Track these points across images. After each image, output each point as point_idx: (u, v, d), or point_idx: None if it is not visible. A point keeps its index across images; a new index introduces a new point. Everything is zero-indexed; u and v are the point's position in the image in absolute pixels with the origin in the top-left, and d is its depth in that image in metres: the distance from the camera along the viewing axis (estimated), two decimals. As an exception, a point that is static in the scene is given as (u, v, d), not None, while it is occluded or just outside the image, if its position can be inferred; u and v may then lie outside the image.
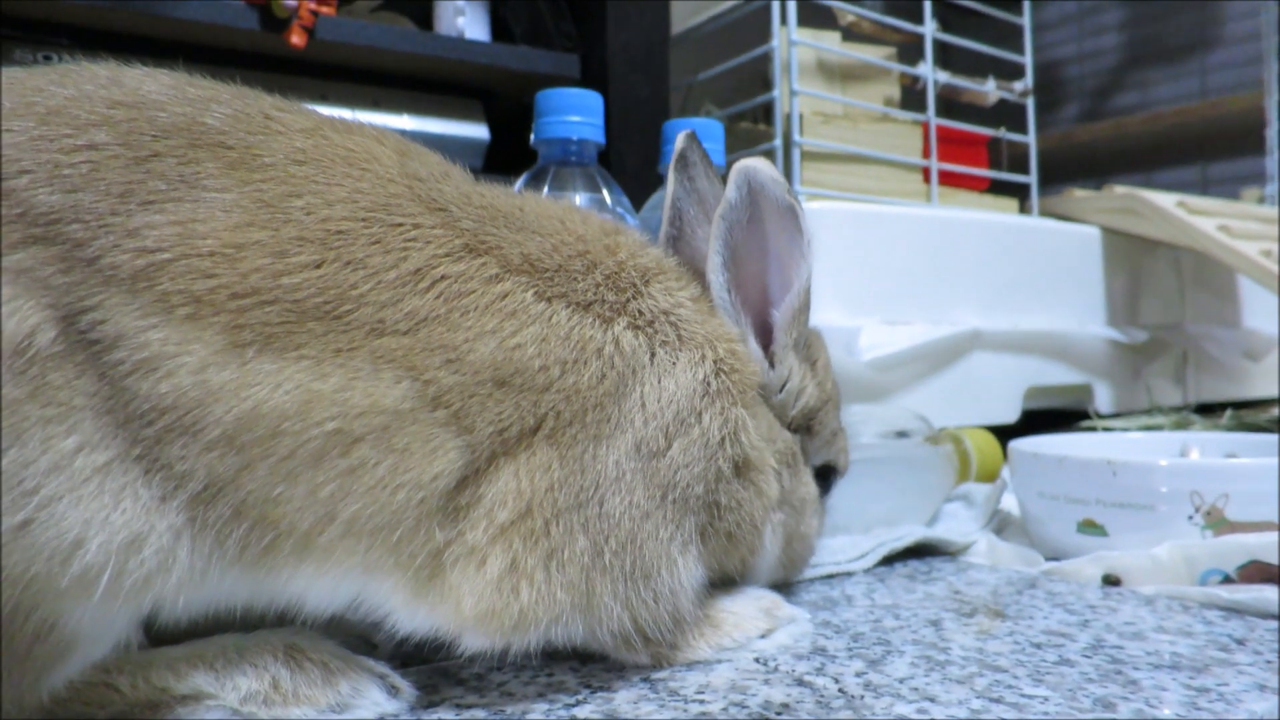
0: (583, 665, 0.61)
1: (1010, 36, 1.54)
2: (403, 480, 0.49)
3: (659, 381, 0.57)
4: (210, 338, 0.45)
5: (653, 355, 0.57)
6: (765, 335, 0.66)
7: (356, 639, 0.61)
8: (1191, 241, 1.40)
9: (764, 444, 0.63)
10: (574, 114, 1.02)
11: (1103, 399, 1.50)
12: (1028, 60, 1.52)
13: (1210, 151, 2.84)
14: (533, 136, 1.03)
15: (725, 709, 0.53)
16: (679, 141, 0.68)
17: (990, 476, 1.11)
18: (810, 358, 0.70)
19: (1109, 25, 3.15)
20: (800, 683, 0.57)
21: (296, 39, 1.05)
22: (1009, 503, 1.02)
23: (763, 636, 0.64)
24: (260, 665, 0.51)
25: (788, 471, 0.67)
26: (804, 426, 0.71)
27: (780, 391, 0.68)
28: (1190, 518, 0.79)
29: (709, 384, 0.59)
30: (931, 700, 0.54)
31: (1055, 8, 3.25)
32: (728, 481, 0.60)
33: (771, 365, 0.67)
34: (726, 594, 0.66)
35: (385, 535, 0.50)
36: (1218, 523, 0.79)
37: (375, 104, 1.20)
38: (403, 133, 0.59)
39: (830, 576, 0.85)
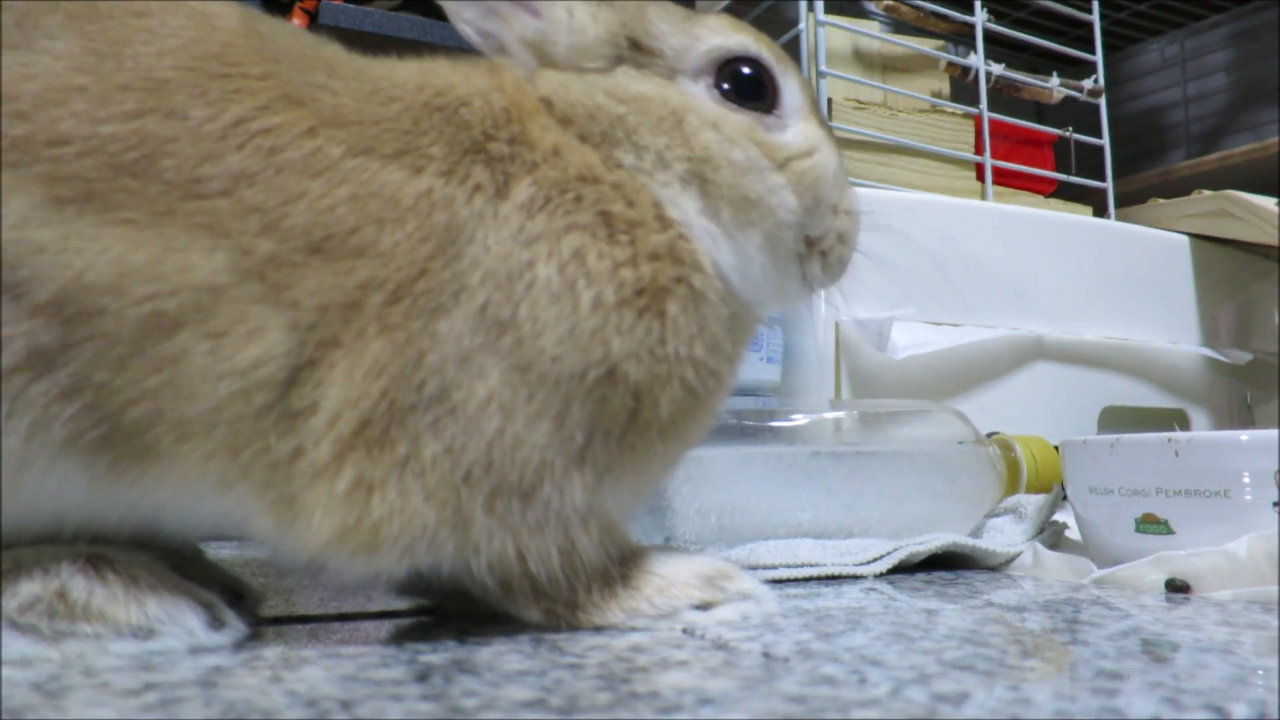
0: (476, 627, 0.50)
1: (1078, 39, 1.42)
2: (223, 370, 0.42)
3: (490, 235, 0.47)
4: (30, 188, 0.41)
5: (487, 197, 0.48)
6: None
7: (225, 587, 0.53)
8: (1297, 242, 1.22)
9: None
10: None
11: (1201, 428, 1.30)
12: (1098, 58, 1.39)
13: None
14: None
15: (604, 664, 0.42)
16: None
17: (1045, 490, 0.95)
18: None
19: (1215, 66, 2.95)
20: (719, 647, 0.45)
21: (298, 21, 1.04)
22: (1069, 520, 0.86)
23: (700, 609, 0.52)
24: (51, 571, 0.43)
25: (632, 72, 0.53)
26: (629, 45, 0.54)
27: (568, 38, 0.53)
28: (1276, 504, 0.63)
29: (531, 209, 0.48)
30: (875, 664, 0.41)
31: (1157, 51, 3.08)
32: (627, 319, 0.47)
33: (538, 15, 0.53)
34: (657, 553, 0.54)
35: (219, 439, 0.43)
36: (1313, 511, 0.62)
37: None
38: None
39: (831, 578, 0.72)
